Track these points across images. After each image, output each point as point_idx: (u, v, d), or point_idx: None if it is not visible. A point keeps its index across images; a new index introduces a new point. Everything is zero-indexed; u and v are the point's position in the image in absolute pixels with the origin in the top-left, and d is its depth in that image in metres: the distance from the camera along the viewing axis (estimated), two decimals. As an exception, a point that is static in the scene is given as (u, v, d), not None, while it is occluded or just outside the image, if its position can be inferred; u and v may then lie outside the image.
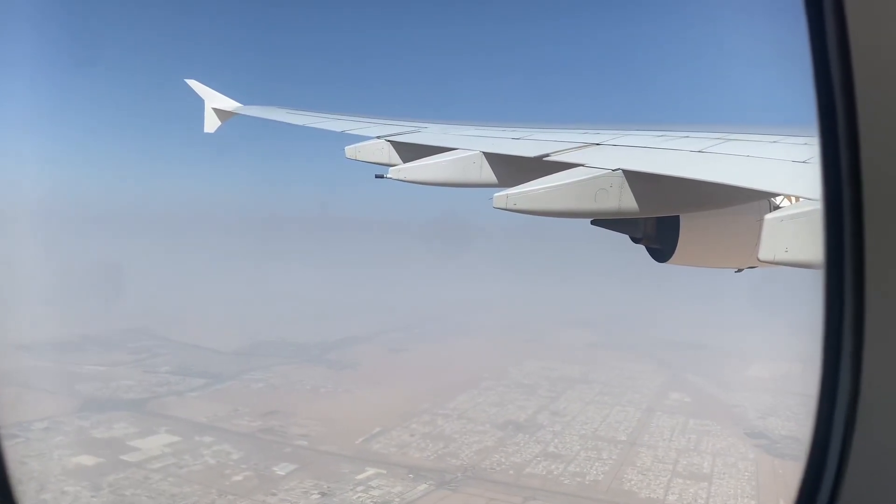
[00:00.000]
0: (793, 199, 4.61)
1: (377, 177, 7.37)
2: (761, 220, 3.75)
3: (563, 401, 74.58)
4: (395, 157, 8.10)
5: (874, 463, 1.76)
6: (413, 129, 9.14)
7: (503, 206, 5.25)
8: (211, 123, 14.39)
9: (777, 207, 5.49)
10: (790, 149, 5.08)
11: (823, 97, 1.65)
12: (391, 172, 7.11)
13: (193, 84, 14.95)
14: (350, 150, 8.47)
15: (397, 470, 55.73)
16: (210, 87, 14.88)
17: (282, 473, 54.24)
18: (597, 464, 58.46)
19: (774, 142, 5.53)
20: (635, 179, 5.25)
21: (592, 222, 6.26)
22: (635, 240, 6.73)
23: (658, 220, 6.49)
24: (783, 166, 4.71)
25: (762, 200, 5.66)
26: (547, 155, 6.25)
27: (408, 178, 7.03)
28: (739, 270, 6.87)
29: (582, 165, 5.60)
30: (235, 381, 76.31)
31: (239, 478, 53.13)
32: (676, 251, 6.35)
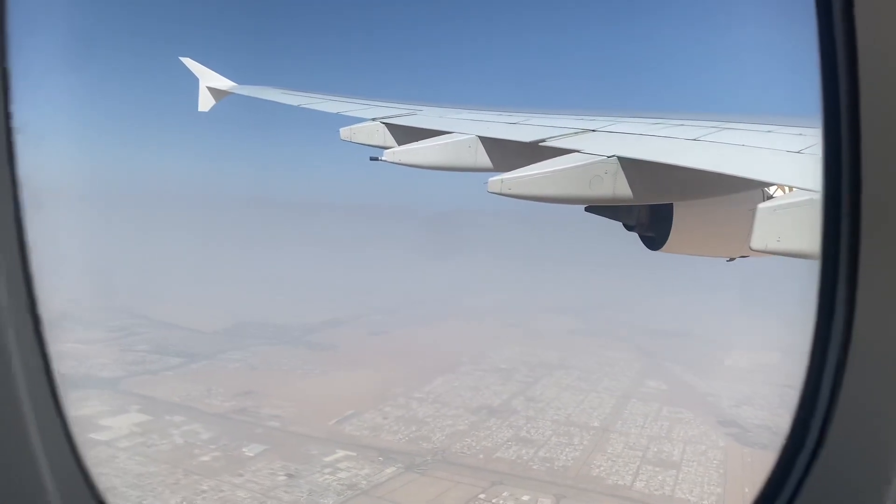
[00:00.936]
0: (786, 188, 4.71)
1: (372, 159, 7.34)
2: (754, 209, 3.75)
3: (540, 386, 74.66)
4: (391, 140, 8.09)
5: (845, 458, 1.78)
6: (409, 111, 9.13)
7: (498, 190, 5.24)
8: (205, 102, 14.30)
9: (770, 197, 5.53)
10: (785, 139, 5.09)
11: (829, 93, 1.67)
12: (386, 155, 7.09)
13: (188, 62, 14.80)
14: (345, 132, 8.45)
15: (367, 452, 55.80)
16: (205, 65, 14.76)
17: (250, 454, 54.24)
18: (567, 449, 58.60)
19: (769, 131, 5.53)
20: (630, 166, 5.24)
21: (587, 209, 6.32)
22: (629, 227, 6.77)
23: (652, 207, 6.51)
24: (777, 156, 4.72)
25: (755, 190, 5.65)
26: (542, 140, 6.25)
27: (402, 161, 7.00)
28: (731, 259, 6.90)
29: (577, 151, 5.59)
30: (212, 360, 76.17)
31: (207, 458, 53.10)
32: (669, 239, 6.39)
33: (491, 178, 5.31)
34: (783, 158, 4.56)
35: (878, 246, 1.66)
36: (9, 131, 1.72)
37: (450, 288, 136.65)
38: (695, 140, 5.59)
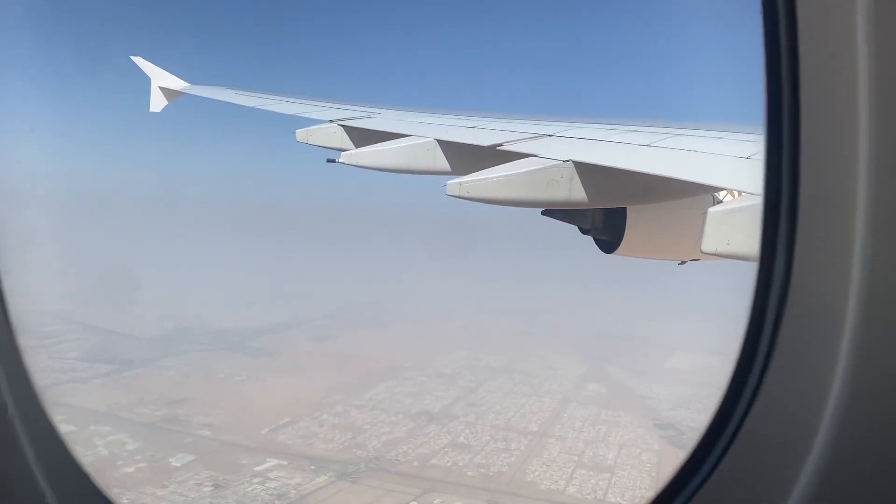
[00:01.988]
0: (735, 193, 4.87)
1: (329, 161, 7.38)
2: (705, 213, 3.85)
3: (482, 391, 74.51)
4: (348, 142, 8.12)
5: (755, 456, 1.84)
6: (366, 114, 9.16)
7: (456, 193, 5.32)
8: (157, 102, 14.09)
9: (720, 201, 5.59)
10: (734, 145, 5.21)
11: (772, 98, 1.74)
12: (343, 157, 7.12)
13: (139, 61, 14.54)
14: (301, 134, 8.44)
15: (299, 461, 54.75)
16: (157, 65, 14.55)
17: (177, 465, 52.67)
18: (504, 455, 58.47)
19: (720, 138, 5.68)
20: (585, 171, 5.36)
21: (543, 212, 6.42)
22: (584, 230, 6.92)
23: (606, 211, 6.65)
24: (727, 162, 4.81)
25: (706, 194, 5.76)
26: (500, 144, 6.38)
27: (360, 164, 7.03)
28: (683, 263, 7.09)
29: (534, 156, 5.71)
30: (146, 368, 74.04)
31: (130, 469, 51.39)
32: (623, 243, 6.54)
33: (449, 182, 5.39)
34: (733, 164, 4.65)
35: (812, 247, 1.70)
36: None
37: (400, 291, 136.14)
38: (647, 146, 5.75)
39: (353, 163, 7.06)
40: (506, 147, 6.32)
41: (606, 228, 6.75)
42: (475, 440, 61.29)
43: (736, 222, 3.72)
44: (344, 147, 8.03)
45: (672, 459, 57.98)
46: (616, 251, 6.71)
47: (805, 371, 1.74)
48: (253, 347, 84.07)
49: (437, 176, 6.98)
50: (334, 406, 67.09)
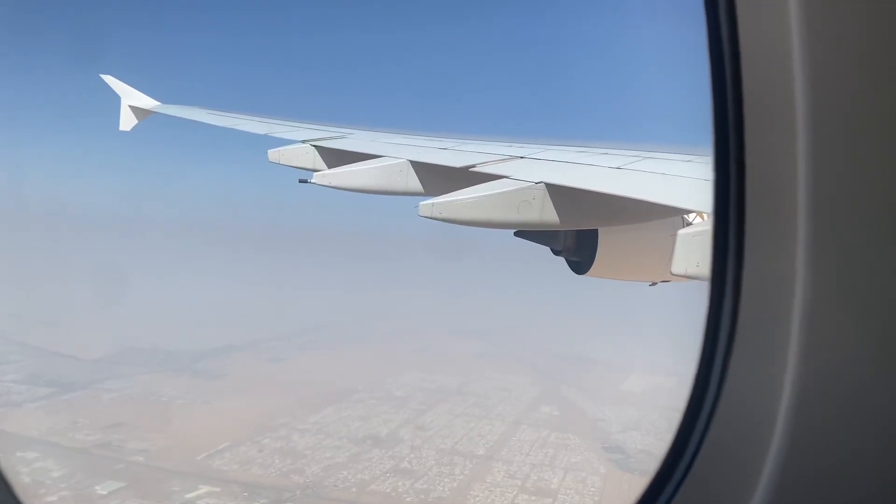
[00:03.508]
0: (704, 215, 4.89)
1: (301, 181, 7.36)
2: (674, 235, 3.87)
3: (432, 414, 73.40)
4: (320, 163, 8.09)
5: (721, 460, 1.89)
6: (339, 134, 9.15)
7: (429, 214, 5.32)
8: (127, 121, 14.01)
9: (689, 224, 5.56)
10: (703, 168, 5.14)
11: (719, 116, 1.80)
12: (315, 178, 7.12)
13: (109, 80, 14.51)
14: (273, 154, 8.40)
15: (233, 488, 53.13)
16: (128, 83, 14.49)
17: (103, 492, 50.73)
18: (446, 479, 57.35)
19: (688, 161, 5.78)
20: (557, 193, 5.39)
21: (515, 234, 6.45)
22: (556, 252, 6.96)
23: (578, 233, 6.70)
24: (696, 184, 4.85)
25: (676, 217, 5.79)
26: (473, 166, 6.45)
27: (333, 184, 7.03)
28: (653, 284, 7.11)
29: (506, 177, 5.74)
30: (87, 390, 71.79)
31: (53, 498, 49.35)
32: (594, 264, 6.58)
33: (422, 202, 5.40)
34: (701, 186, 4.60)
35: (761, 262, 1.75)
36: None
37: (366, 312, 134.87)
38: (618, 168, 5.84)
39: (326, 183, 7.03)
40: (478, 168, 6.35)
41: (578, 250, 6.77)
42: (419, 465, 60.10)
43: (705, 244, 3.54)
44: (316, 167, 7.98)
45: (617, 483, 57.42)
46: (587, 272, 6.73)
47: (759, 377, 1.77)
48: (200, 369, 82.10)
49: (409, 197, 7.00)
50: (277, 430, 65.45)
